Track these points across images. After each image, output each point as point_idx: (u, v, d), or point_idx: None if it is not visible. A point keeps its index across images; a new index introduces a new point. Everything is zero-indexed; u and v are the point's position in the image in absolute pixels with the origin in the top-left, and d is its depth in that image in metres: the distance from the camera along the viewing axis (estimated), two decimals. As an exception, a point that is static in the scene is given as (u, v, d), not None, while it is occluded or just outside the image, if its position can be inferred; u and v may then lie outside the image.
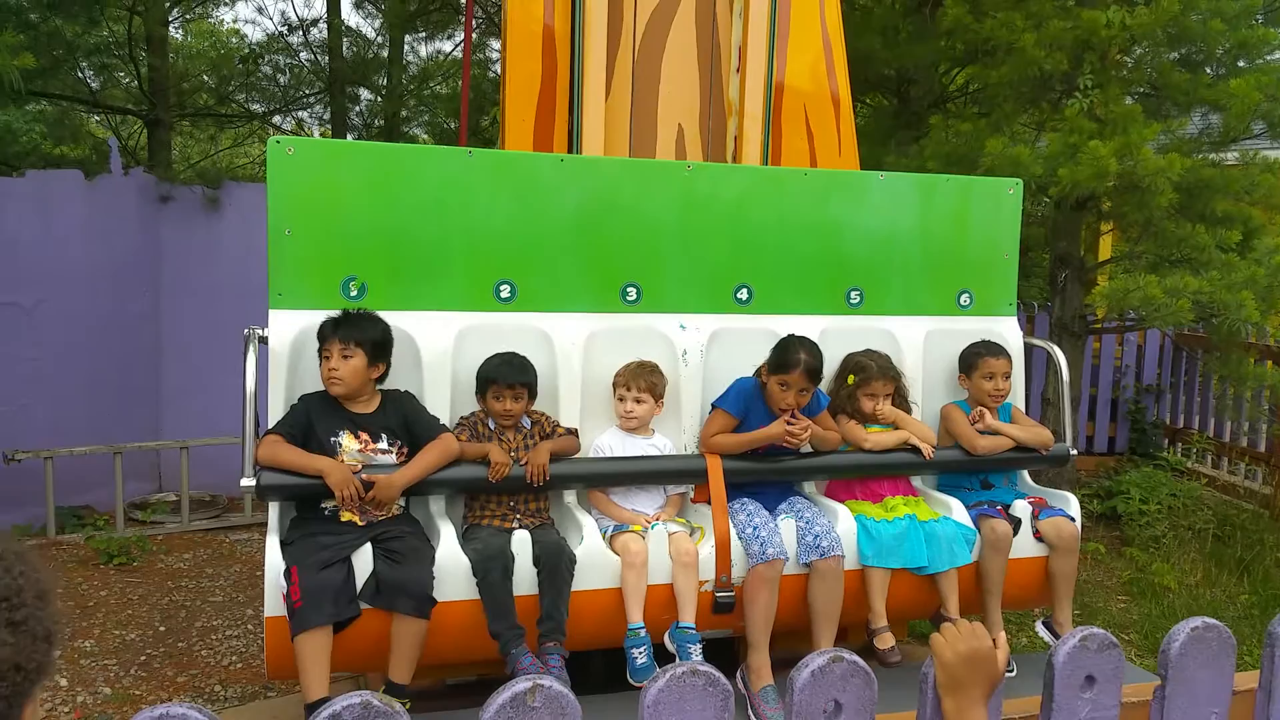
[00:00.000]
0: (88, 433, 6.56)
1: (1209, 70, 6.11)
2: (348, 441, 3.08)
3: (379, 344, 3.13)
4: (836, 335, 3.74)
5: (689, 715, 1.11)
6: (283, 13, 10.62)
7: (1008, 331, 3.91)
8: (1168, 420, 8.41)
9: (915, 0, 7.88)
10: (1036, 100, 6.52)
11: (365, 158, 3.39)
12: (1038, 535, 3.57)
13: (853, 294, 3.82)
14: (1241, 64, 6.07)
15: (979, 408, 3.68)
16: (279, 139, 3.26)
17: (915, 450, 3.54)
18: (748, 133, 4.01)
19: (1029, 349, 4.21)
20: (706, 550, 3.24)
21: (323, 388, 3.13)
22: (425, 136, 9.82)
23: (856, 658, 1.17)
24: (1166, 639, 1.32)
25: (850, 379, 3.60)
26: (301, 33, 9.39)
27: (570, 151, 3.92)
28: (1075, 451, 3.83)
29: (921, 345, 3.83)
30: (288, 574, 2.79)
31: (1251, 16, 5.82)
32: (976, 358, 3.73)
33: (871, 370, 3.59)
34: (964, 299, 3.92)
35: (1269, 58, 6.09)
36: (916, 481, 3.76)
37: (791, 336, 3.41)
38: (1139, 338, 8.33)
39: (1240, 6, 5.63)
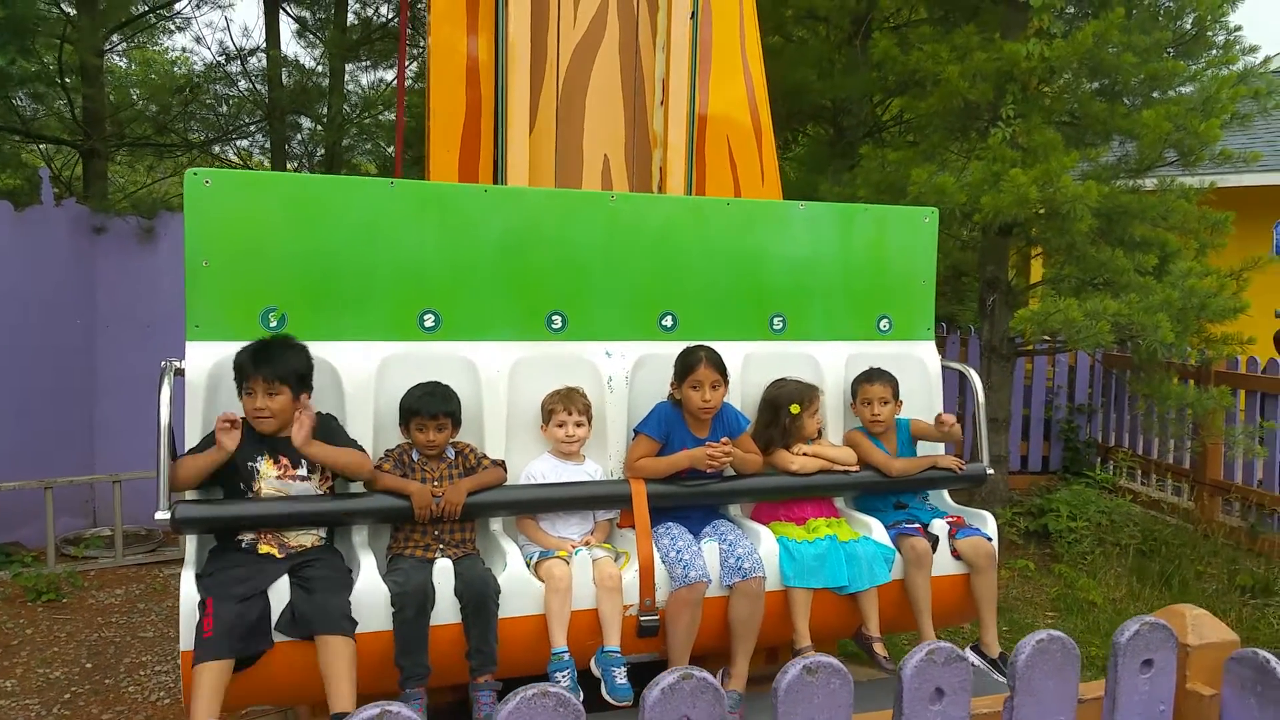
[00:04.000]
0: (19, 467, 6.42)
1: (1126, 100, 6.35)
2: (266, 467, 3.07)
3: (302, 376, 3.13)
4: (760, 360, 3.82)
5: (540, 736, 1.14)
6: (221, 42, 10.61)
7: (925, 355, 4.02)
8: (1100, 439, 8.63)
9: (847, 33, 8.08)
10: (965, 130, 6.72)
11: (284, 188, 3.39)
12: (955, 554, 3.65)
13: (775, 320, 3.90)
14: (1156, 95, 6.32)
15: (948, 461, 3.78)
16: (196, 171, 3.26)
17: (839, 471, 3.63)
18: (671, 163, 4.09)
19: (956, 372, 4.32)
20: (631, 575, 3.27)
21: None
22: (369, 165, 9.83)
23: (706, 674, 1.21)
24: (1015, 651, 1.38)
25: (794, 408, 3.65)
26: (239, 62, 9.36)
27: (495, 183, 3.96)
28: (991, 471, 3.93)
29: (843, 369, 3.92)
30: (202, 605, 2.76)
31: (1162, 50, 6.07)
32: (856, 385, 3.86)
33: (808, 392, 3.68)
34: (883, 324, 4.02)
35: (1180, 89, 6.35)
36: (839, 503, 3.83)
37: (686, 347, 3.50)
38: (1070, 359, 8.55)
39: (1151, 41, 5.88)
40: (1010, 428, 7.44)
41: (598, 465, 3.53)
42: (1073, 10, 6.74)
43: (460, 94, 4.05)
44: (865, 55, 7.65)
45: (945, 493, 4.00)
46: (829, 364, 3.88)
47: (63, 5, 8.60)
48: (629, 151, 4.30)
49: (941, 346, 8.10)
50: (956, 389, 7.65)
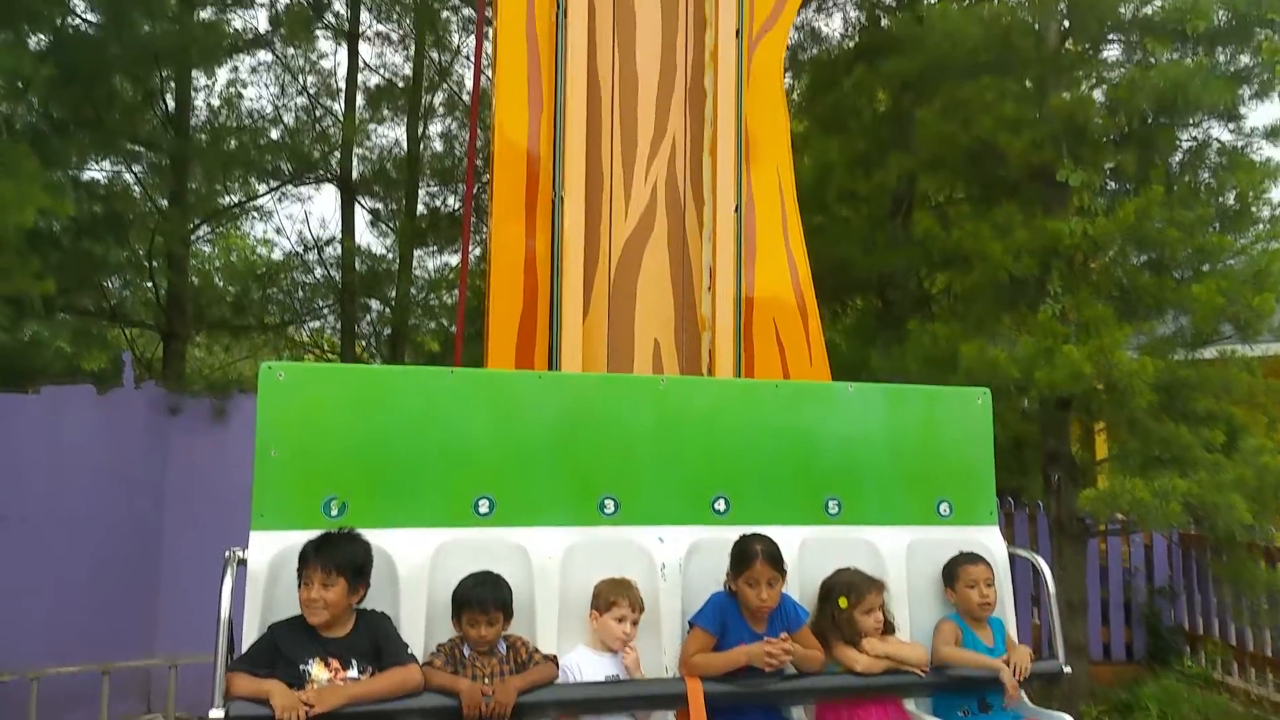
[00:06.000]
0: (80, 647, 6.44)
1: (1175, 274, 6.36)
2: (317, 671, 3.02)
3: (360, 568, 3.14)
4: (818, 546, 3.72)
5: None
6: (299, 232, 11.57)
7: (990, 541, 3.89)
8: (1186, 624, 8.07)
9: (888, 211, 8.34)
10: (1013, 303, 6.76)
11: (351, 380, 3.53)
12: (1033, 760, 3.39)
13: (831, 503, 3.84)
14: (1205, 268, 6.32)
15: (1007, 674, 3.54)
16: (270, 365, 3.41)
17: (908, 672, 3.45)
18: (720, 346, 4.18)
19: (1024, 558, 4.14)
20: (687, 780, 3.11)
21: (296, 613, 3.12)
22: (432, 343, 10.22)
23: None
24: None
25: (843, 601, 3.52)
26: (317, 251, 9.99)
27: (550, 368, 4.07)
28: (1068, 669, 3.71)
29: (904, 556, 3.80)
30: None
31: (1207, 225, 6.13)
32: (956, 567, 3.72)
33: (862, 586, 3.53)
34: (943, 508, 3.93)
35: (1229, 262, 6.34)
36: (910, 704, 3.62)
37: (743, 535, 3.43)
38: (1144, 538, 8.15)
39: (1194, 216, 5.95)
40: (1088, 612, 7.02)
41: (634, 652, 3.41)
42: (1113, 186, 6.89)
43: (518, 283, 4.24)
44: (907, 232, 7.85)
45: (1023, 692, 3.76)
46: (889, 551, 3.77)
47: (156, 199, 9.34)
48: (678, 335, 4.42)
49: (1009, 523, 7.83)
50: (1029, 570, 7.33)
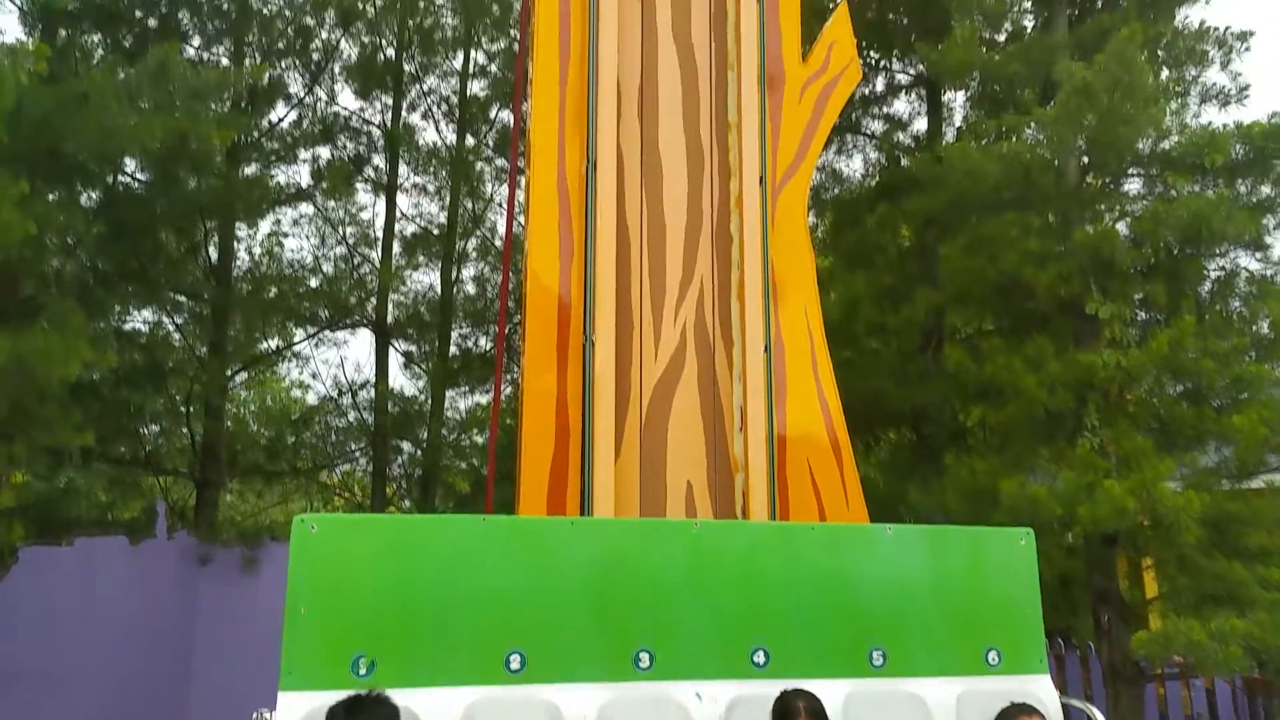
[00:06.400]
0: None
1: (1214, 403, 6.26)
2: (340, 840, 2.88)
3: None
4: (863, 701, 3.55)
5: None
6: (334, 376, 11.80)
7: (1042, 691, 3.69)
8: (1263, 774, 7.56)
9: (919, 344, 8.36)
10: (1051, 436, 6.66)
11: (384, 530, 3.49)
12: None
13: (875, 654, 3.68)
14: (1245, 396, 6.21)
15: None
16: (304, 517, 3.38)
17: None
18: (754, 487, 4.13)
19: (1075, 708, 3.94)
20: None
21: (319, 776, 2.99)
22: (463, 483, 10.20)
23: None
24: None
25: None
26: (351, 395, 10.15)
27: (583, 510, 4.03)
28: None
29: (954, 710, 3.61)
30: None
31: (1242, 354, 6.07)
32: (1009, 719, 3.52)
33: None
34: (992, 657, 3.75)
35: (1270, 391, 6.24)
36: None
37: (784, 690, 3.29)
38: (1206, 682, 7.72)
39: (1229, 345, 5.90)
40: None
41: None
42: (1143, 316, 6.88)
43: (550, 426, 4.25)
44: (938, 364, 7.83)
45: None
46: (938, 704, 3.58)
47: (195, 347, 9.59)
48: (711, 476, 4.38)
49: (1060, 666, 7.47)
50: None
